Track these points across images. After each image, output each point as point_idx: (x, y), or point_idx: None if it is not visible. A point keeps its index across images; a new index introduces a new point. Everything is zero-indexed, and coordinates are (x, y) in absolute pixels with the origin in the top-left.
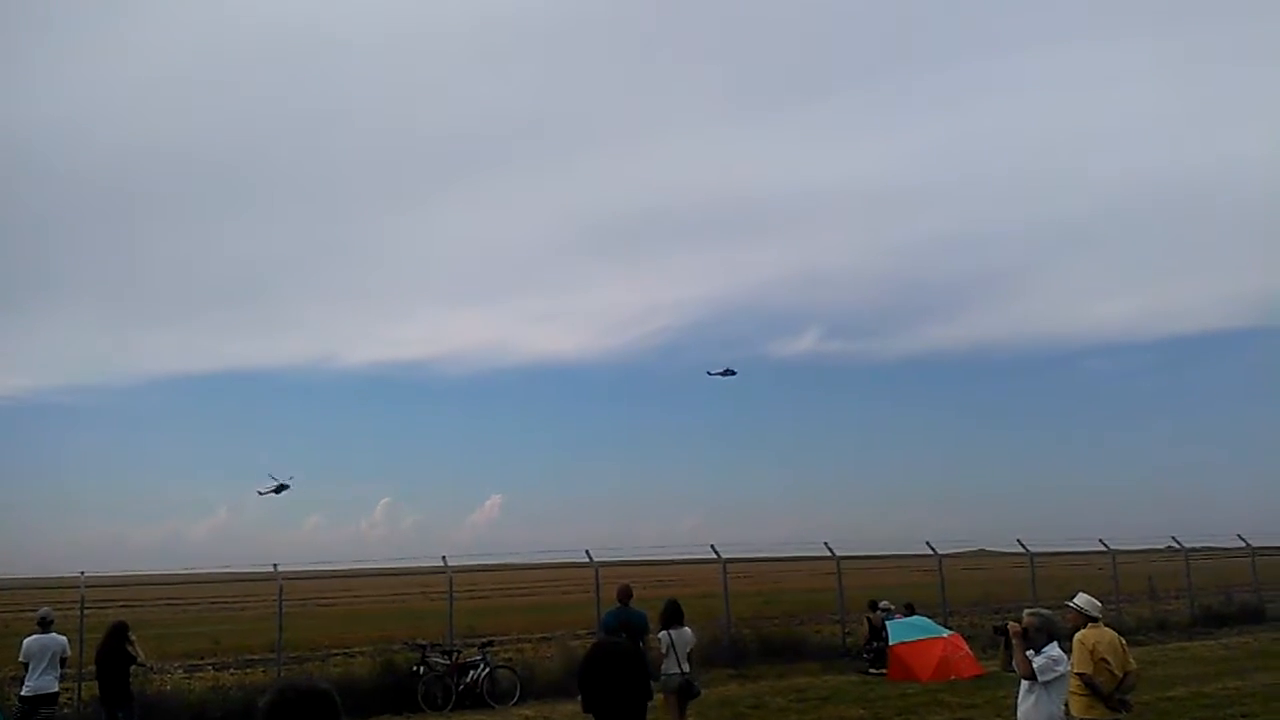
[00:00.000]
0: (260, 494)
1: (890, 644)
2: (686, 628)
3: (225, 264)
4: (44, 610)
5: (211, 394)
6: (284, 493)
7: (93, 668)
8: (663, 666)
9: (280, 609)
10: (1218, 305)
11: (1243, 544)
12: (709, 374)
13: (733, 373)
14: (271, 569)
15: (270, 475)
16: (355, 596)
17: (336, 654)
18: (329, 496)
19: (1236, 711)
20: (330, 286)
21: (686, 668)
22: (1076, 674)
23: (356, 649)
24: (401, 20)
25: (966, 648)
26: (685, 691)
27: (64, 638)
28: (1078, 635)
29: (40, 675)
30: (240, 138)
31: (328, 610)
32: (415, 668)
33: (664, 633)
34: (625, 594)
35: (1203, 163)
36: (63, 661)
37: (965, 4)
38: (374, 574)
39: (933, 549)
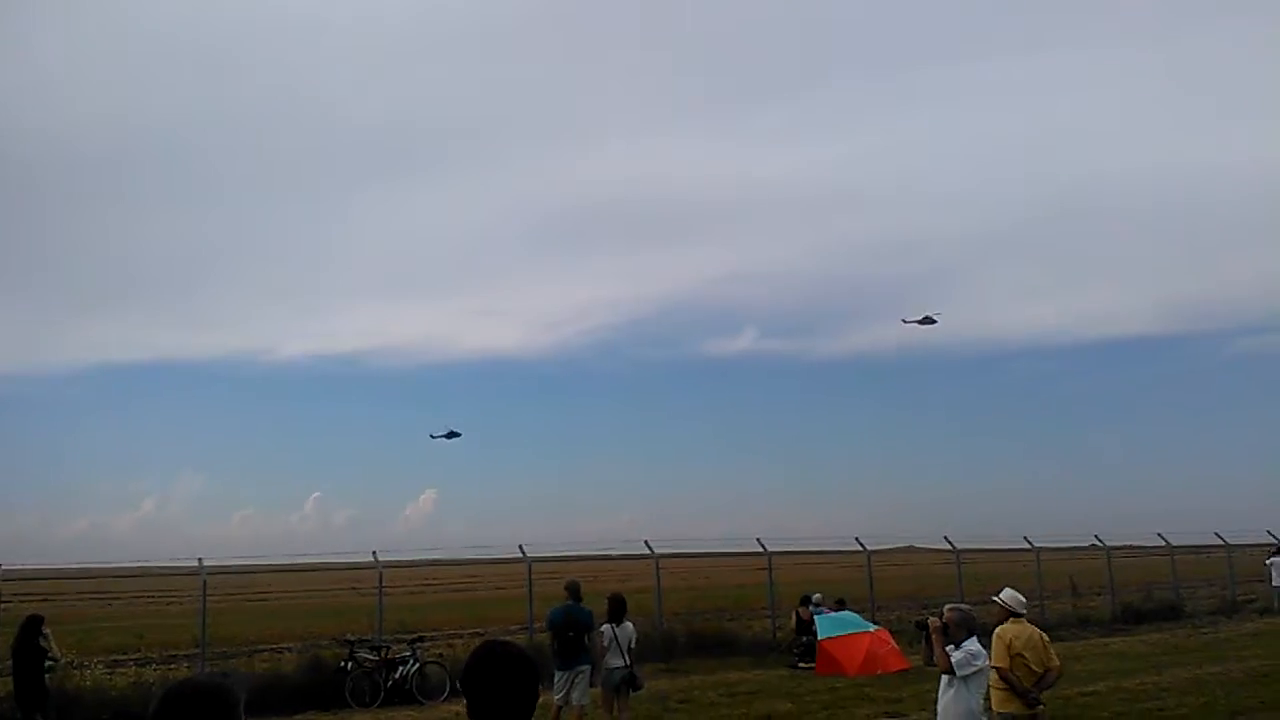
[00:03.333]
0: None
1: (819, 638)
2: (629, 622)
3: (155, 254)
4: None
5: (139, 385)
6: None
7: (11, 663)
8: (605, 660)
9: (203, 604)
10: (1142, 310)
11: (1163, 543)
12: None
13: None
14: (196, 563)
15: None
16: (284, 592)
17: (263, 650)
18: (259, 490)
19: (1154, 706)
20: (263, 278)
21: (629, 661)
22: (993, 667)
23: (284, 645)
24: (338, 9)
25: (893, 642)
26: (628, 684)
27: None
28: (997, 630)
29: None
30: (174, 126)
31: (256, 605)
32: (343, 664)
33: (606, 626)
34: (574, 590)
35: (1130, 170)
36: None
37: (903, 12)
38: (304, 569)
39: (862, 545)
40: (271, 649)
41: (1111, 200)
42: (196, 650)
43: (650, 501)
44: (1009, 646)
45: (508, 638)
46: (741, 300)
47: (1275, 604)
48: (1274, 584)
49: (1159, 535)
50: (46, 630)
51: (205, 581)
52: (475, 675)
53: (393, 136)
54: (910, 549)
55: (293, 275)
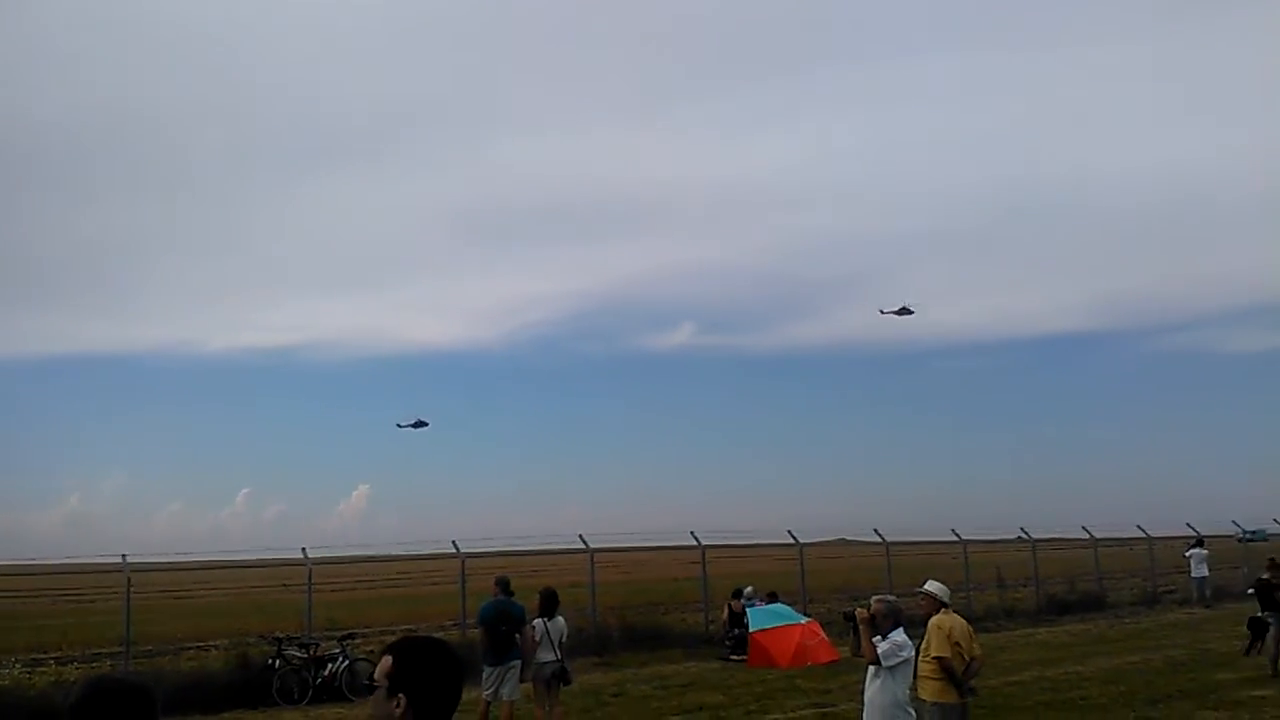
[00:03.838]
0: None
1: (750, 631)
2: (560, 617)
3: (82, 245)
4: None
5: (63, 379)
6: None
7: None
8: (537, 655)
9: (127, 601)
10: (1073, 308)
11: (1086, 535)
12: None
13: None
14: (120, 559)
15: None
16: (212, 589)
17: (190, 648)
18: (187, 486)
19: (1077, 694)
20: (192, 271)
21: (560, 655)
22: (934, 658)
23: (211, 643)
24: (268, 1)
25: (823, 634)
26: (559, 679)
27: None
28: (934, 620)
29: None
30: (102, 118)
31: (183, 603)
32: (271, 661)
33: (538, 620)
34: (504, 585)
35: (1056, 173)
36: None
37: (849, 11)
38: (232, 566)
39: (794, 538)
40: (198, 647)
41: (1049, 200)
42: (120, 649)
43: (587, 496)
44: (949, 635)
45: (439, 634)
46: (679, 295)
47: (1194, 595)
48: (1193, 575)
49: (1083, 528)
50: None
51: (129, 579)
52: (399, 668)
53: (325, 129)
54: (842, 542)
55: (222, 268)
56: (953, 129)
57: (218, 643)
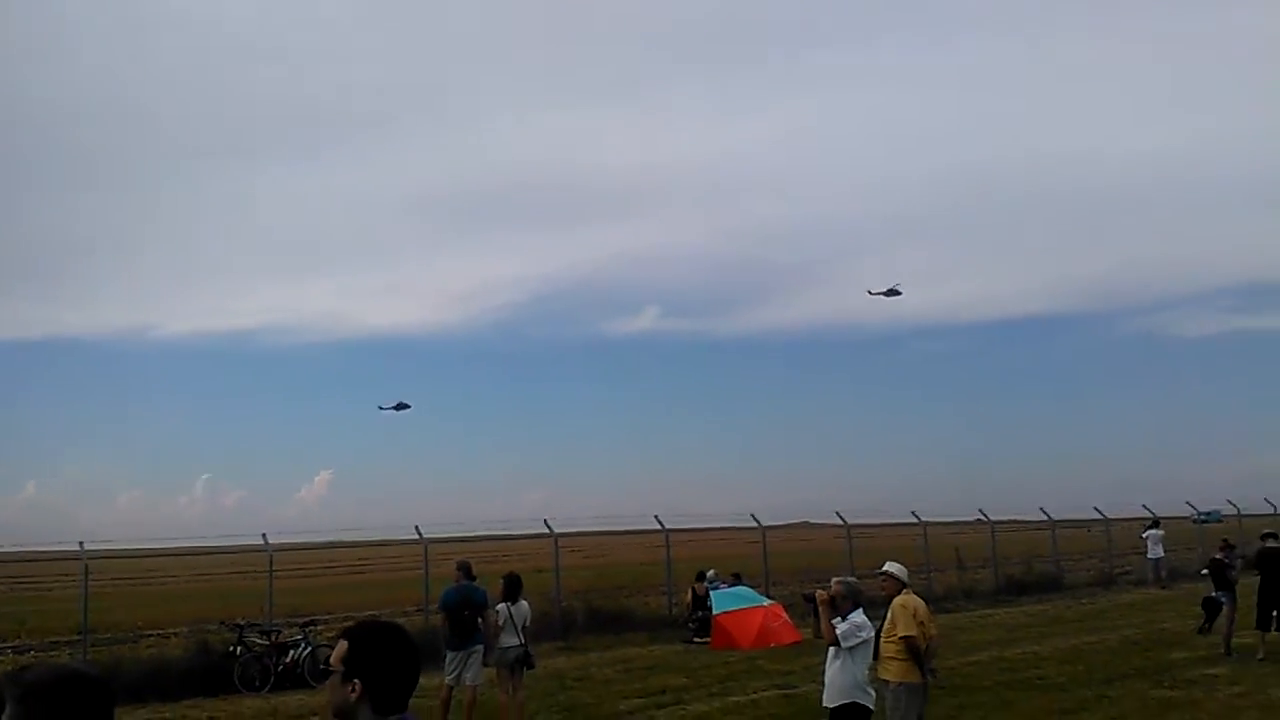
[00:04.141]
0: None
1: (714, 613)
2: (524, 601)
3: (36, 227)
4: None
5: (19, 363)
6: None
7: None
8: (500, 639)
9: (85, 589)
10: (1029, 293)
11: (1044, 517)
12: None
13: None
14: (78, 547)
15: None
16: (172, 576)
17: (149, 635)
18: (146, 472)
19: (1034, 674)
20: (150, 254)
21: (524, 640)
22: (902, 637)
23: (171, 630)
24: None
25: (785, 616)
26: (522, 663)
27: None
28: (899, 601)
29: None
30: (62, 100)
31: (142, 590)
32: (232, 648)
33: (502, 605)
34: (466, 569)
35: (1025, 158)
36: None
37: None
38: (192, 553)
39: (757, 521)
40: (158, 634)
41: (1012, 185)
42: (79, 637)
43: (551, 481)
44: (915, 615)
45: (401, 620)
46: (644, 280)
47: (1150, 576)
48: (1149, 556)
49: (1041, 510)
50: None
51: (87, 566)
52: (353, 651)
53: (289, 111)
54: (805, 525)
55: (183, 251)
56: (918, 114)
57: (178, 630)
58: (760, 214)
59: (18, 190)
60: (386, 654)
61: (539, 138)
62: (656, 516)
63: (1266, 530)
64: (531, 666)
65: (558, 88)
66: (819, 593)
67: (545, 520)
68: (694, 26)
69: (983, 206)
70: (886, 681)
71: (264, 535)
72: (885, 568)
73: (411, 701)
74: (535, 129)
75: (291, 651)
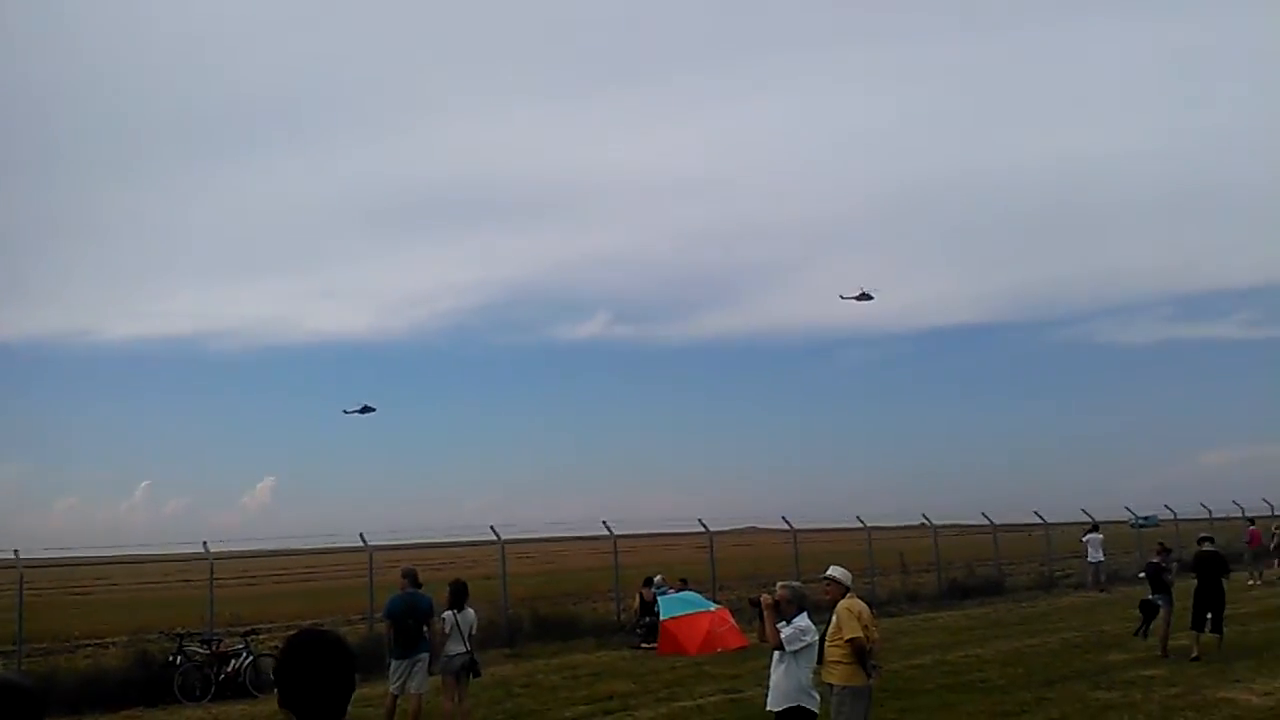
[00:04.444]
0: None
1: (661, 619)
2: (470, 609)
3: None
4: None
5: None
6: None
7: None
8: (446, 647)
9: (20, 598)
10: (969, 301)
11: (986, 521)
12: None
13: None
14: (13, 555)
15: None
16: (111, 585)
17: (87, 645)
18: (84, 478)
19: (977, 677)
20: (89, 256)
21: (469, 647)
22: (848, 640)
23: (109, 639)
24: None
25: (732, 620)
26: (468, 671)
27: None
28: (843, 605)
29: None
30: None
31: (80, 599)
32: (171, 658)
33: (448, 613)
34: (412, 577)
35: (962, 168)
36: None
37: (762, 4)
38: (131, 560)
39: (705, 526)
40: (96, 644)
41: (952, 194)
42: (13, 648)
43: (498, 488)
44: (859, 617)
45: (345, 628)
46: (594, 285)
47: (1089, 579)
48: (1089, 560)
49: (983, 514)
50: None
51: (22, 574)
52: (283, 665)
53: (230, 113)
54: (752, 529)
55: (121, 253)
56: (863, 122)
57: (116, 640)
58: (709, 220)
59: None
60: (310, 666)
61: (488, 142)
62: (604, 522)
63: (1203, 534)
64: (477, 674)
65: (509, 91)
66: (764, 597)
67: (492, 526)
68: (645, 31)
69: (922, 216)
70: (830, 685)
71: (204, 543)
72: (829, 572)
73: (351, 710)
74: (484, 133)
75: (233, 661)
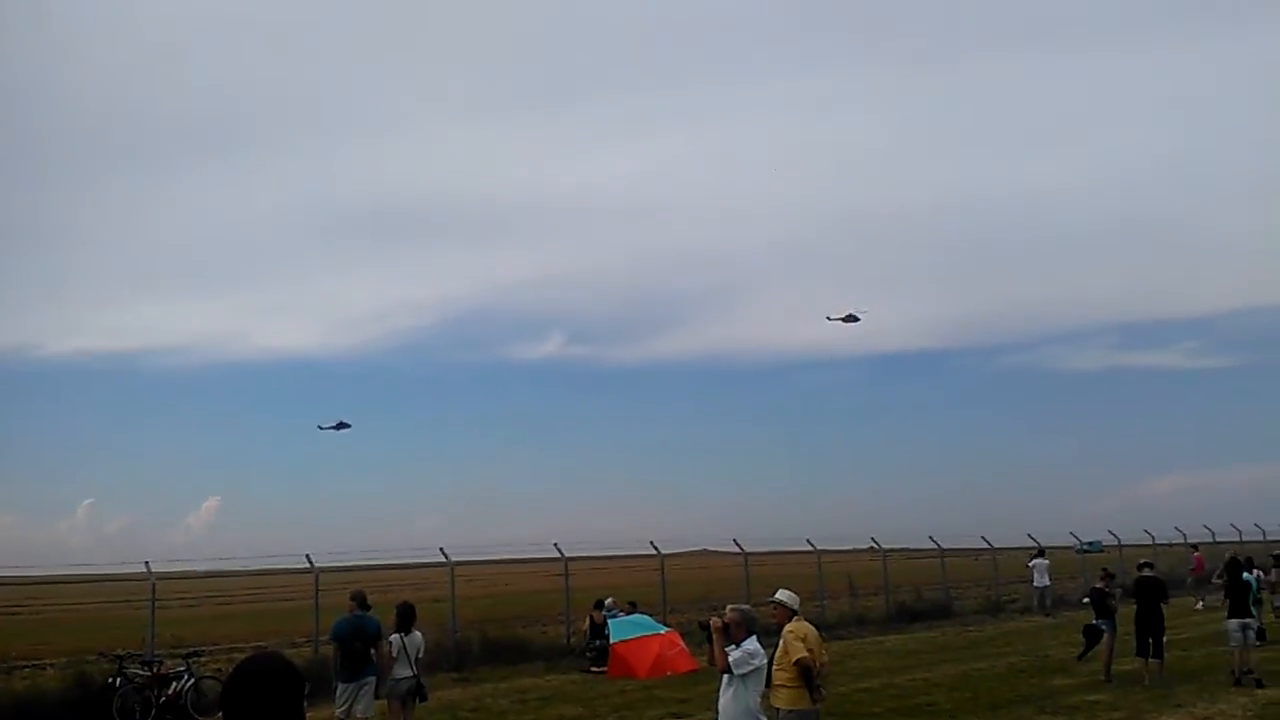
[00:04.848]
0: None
1: (611, 642)
2: (418, 632)
3: None
4: None
5: None
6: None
7: None
8: (393, 670)
9: None
10: (919, 326)
11: (934, 545)
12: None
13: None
14: None
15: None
16: (50, 605)
17: (24, 666)
18: (23, 497)
19: (924, 701)
20: (32, 269)
21: (416, 671)
22: (795, 662)
23: (47, 661)
24: None
25: (682, 644)
26: (414, 695)
27: None
28: (789, 628)
29: None
30: None
31: (17, 619)
32: (111, 679)
33: (395, 636)
34: (361, 599)
35: (913, 197)
36: None
37: (707, 26)
38: (71, 580)
39: (656, 549)
40: (33, 665)
41: (902, 221)
42: None
43: (450, 508)
44: (804, 641)
45: (290, 651)
46: (549, 305)
47: (1035, 604)
48: (1035, 585)
49: (931, 538)
50: None
51: None
52: (230, 692)
53: (179, 126)
54: (703, 552)
55: (62, 268)
56: (817, 149)
57: (54, 661)
58: (664, 242)
59: None
60: (257, 697)
61: (442, 161)
62: (556, 544)
63: (1142, 560)
64: (424, 698)
65: (466, 109)
66: (713, 620)
67: (441, 548)
68: (602, 53)
69: (873, 242)
70: (778, 709)
71: (147, 563)
72: (776, 595)
73: None
74: (440, 152)
75: (174, 683)
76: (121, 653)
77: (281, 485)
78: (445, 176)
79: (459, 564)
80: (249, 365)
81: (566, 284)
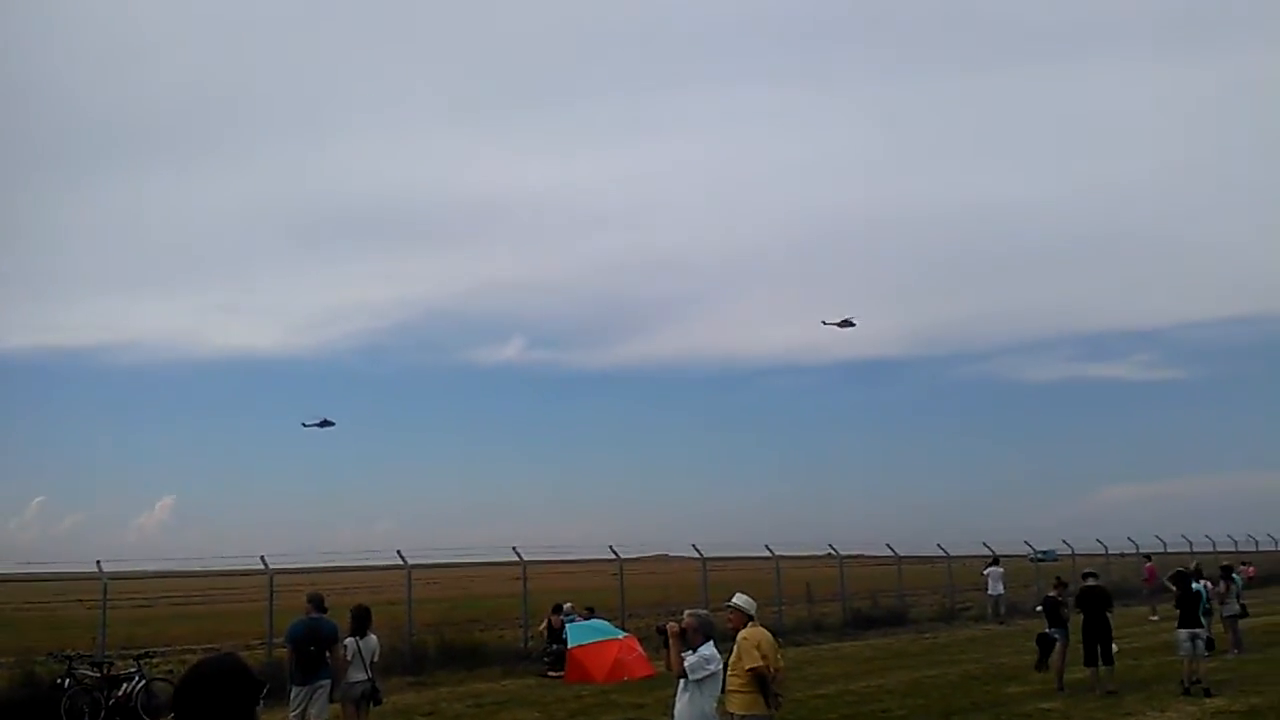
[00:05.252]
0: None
1: (569, 646)
2: (372, 635)
3: None
4: None
5: None
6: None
7: None
8: (347, 674)
9: None
10: (884, 335)
11: (891, 553)
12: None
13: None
14: None
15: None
16: None
17: None
18: None
19: (878, 707)
20: None
21: (371, 675)
22: (749, 669)
23: None
24: None
25: (640, 649)
26: (369, 698)
27: None
28: (743, 634)
29: None
30: None
31: None
32: (60, 680)
33: (350, 639)
34: (317, 602)
35: (874, 208)
36: None
37: (677, 33)
38: (21, 579)
39: (615, 553)
40: None
41: (860, 229)
42: None
43: (406, 511)
44: (758, 647)
45: (244, 653)
46: (509, 309)
47: (990, 612)
48: (990, 593)
49: (887, 545)
50: None
51: None
52: (183, 694)
53: (139, 123)
54: (662, 557)
55: (15, 261)
56: (781, 159)
57: (2, 661)
58: (627, 248)
59: None
60: (210, 699)
61: (404, 160)
62: (515, 548)
63: (1087, 570)
64: (378, 702)
65: (426, 109)
66: (670, 625)
67: (399, 551)
68: (568, 58)
69: (834, 252)
70: (731, 715)
71: (98, 562)
72: (732, 600)
73: None
74: (401, 152)
75: (125, 685)
76: (71, 653)
77: (237, 486)
78: (408, 178)
79: (416, 567)
80: (205, 364)
81: (528, 289)
